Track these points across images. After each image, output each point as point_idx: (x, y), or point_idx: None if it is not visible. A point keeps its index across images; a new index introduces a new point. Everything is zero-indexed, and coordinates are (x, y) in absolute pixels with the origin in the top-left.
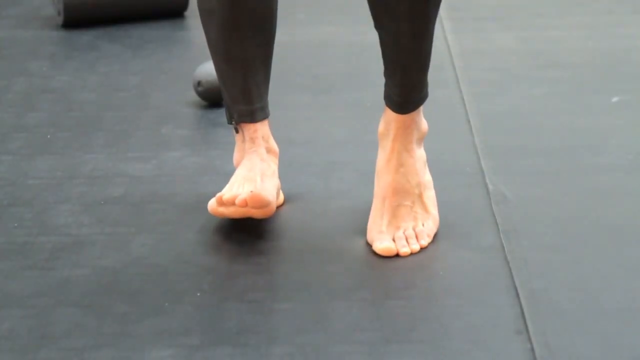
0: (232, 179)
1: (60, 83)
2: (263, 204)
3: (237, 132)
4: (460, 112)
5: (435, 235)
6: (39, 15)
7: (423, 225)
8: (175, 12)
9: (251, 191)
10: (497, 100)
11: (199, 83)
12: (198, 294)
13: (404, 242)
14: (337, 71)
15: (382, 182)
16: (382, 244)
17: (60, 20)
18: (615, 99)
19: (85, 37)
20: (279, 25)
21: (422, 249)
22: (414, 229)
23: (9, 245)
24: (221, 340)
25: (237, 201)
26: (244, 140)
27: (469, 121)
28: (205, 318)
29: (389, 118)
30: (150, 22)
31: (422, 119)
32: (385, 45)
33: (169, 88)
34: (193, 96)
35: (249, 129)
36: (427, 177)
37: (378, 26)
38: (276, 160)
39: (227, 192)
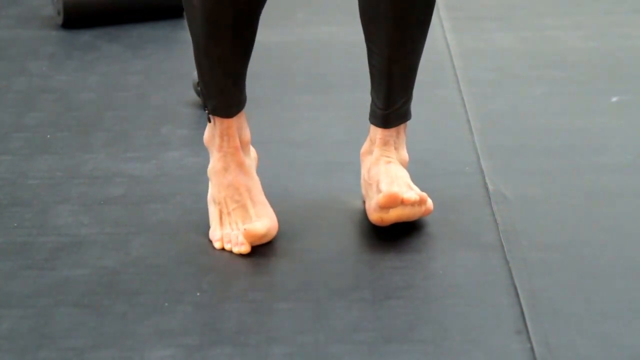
0: (218, 196)
1: (60, 83)
2: (260, 236)
3: (209, 121)
4: (460, 112)
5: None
6: (39, 15)
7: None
8: (175, 12)
9: (245, 229)
10: (497, 100)
11: (198, 83)
12: (198, 294)
13: (406, 187)
14: (337, 71)
15: (371, 172)
16: (385, 190)
17: (59, 20)
18: (615, 99)
19: (85, 37)
20: (279, 25)
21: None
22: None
23: (9, 245)
24: (221, 340)
25: (243, 251)
26: (214, 128)
27: (469, 121)
28: (205, 318)
29: (372, 136)
30: (150, 22)
31: (404, 147)
32: (372, 57)
33: (169, 88)
34: (193, 96)
35: (223, 122)
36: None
37: (367, 35)
38: (248, 148)
39: (225, 235)
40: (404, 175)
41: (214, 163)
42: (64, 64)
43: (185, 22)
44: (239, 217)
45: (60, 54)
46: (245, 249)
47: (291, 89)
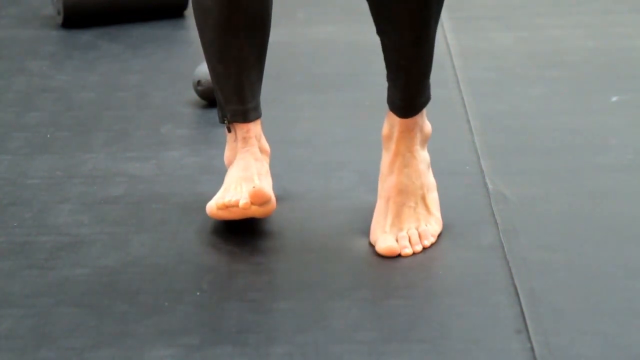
0: (227, 180)
1: (60, 82)
2: (265, 199)
3: (229, 131)
4: (460, 112)
5: (437, 236)
6: (39, 15)
7: (427, 225)
8: (175, 12)
9: (253, 187)
10: (497, 100)
11: (198, 82)
12: (198, 294)
13: (406, 242)
14: (337, 71)
15: (386, 183)
16: (385, 243)
17: (59, 19)
18: (615, 99)
19: (85, 36)
20: (279, 25)
21: (424, 248)
22: (417, 229)
23: (9, 245)
24: (221, 340)
25: (240, 204)
26: (235, 140)
27: (469, 121)
28: (205, 318)
29: (392, 121)
30: (150, 22)
31: (425, 121)
32: (387, 52)
33: (169, 88)
34: (193, 96)
35: (242, 128)
36: (430, 179)
37: (380, 32)
38: (268, 160)
39: (227, 196)
40: (420, 185)
41: (234, 164)
42: (64, 64)
43: (185, 22)
44: (244, 189)
45: (60, 54)
46: (244, 202)
47: (291, 89)
